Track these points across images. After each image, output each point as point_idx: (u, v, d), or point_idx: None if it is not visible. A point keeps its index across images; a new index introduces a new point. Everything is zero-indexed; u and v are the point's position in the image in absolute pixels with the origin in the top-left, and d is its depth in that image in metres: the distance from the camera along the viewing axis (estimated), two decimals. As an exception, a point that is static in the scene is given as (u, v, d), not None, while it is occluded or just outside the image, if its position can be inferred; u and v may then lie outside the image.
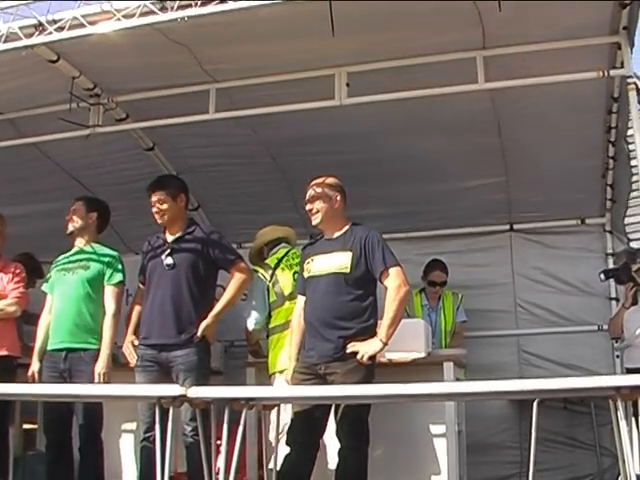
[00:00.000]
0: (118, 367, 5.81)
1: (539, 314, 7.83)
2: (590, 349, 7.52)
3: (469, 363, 6.55)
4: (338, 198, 5.30)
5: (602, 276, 7.14)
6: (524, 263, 7.93)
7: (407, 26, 5.28)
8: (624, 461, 4.03)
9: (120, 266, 5.90)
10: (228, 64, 5.88)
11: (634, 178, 6.80)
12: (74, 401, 5.53)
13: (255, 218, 7.49)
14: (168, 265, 5.51)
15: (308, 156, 7.00)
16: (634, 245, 7.55)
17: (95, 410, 5.64)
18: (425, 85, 5.59)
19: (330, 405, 5.02)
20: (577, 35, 5.28)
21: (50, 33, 5.11)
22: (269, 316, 6.16)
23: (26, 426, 7.15)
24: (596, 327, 7.55)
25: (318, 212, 5.29)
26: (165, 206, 5.60)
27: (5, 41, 5.15)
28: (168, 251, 5.56)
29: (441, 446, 5.79)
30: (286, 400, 5.28)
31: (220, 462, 4.66)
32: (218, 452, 4.78)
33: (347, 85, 5.71)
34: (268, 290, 6.13)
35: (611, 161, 6.86)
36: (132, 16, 4.94)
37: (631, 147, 6.05)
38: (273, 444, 5.38)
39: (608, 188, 7.31)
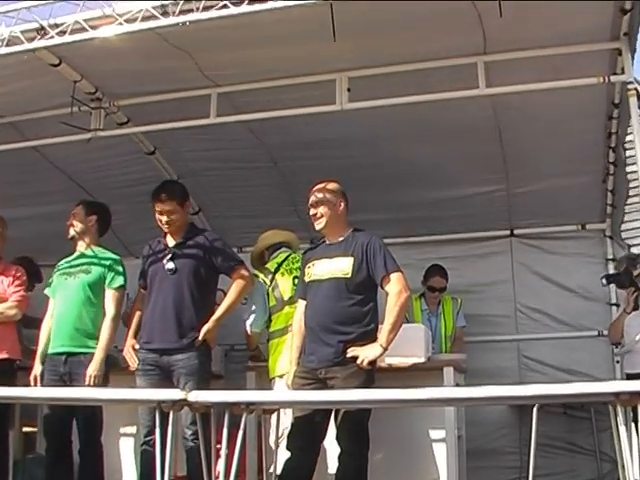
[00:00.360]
0: (118, 371, 5.82)
1: (539, 319, 7.82)
2: (590, 354, 7.51)
3: (469, 368, 6.55)
4: (342, 204, 5.33)
5: (604, 281, 7.16)
6: (524, 268, 7.93)
7: (408, 31, 5.28)
8: (624, 467, 4.02)
9: (121, 270, 5.91)
10: (229, 69, 5.88)
11: (635, 183, 6.80)
12: (74, 404, 5.54)
13: (256, 222, 7.50)
14: (170, 270, 5.52)
15: (309, 161, 7.00)
16: (634, 250, 7.55)
17: (95, 413, 5.64)
18: (426, 90, 5.59)
19: (330, 410, 5.02)
20: (578, 41, 5.28)
21: (52, 37, 5.10)
22: (269, 320, 6.17)
23: (26, 429, 7.15)
24: (596, 332, 7.55)
25: (322, 217, 5.30)
26: (175, 216, 5.61)
27: (7, 45, 5.14)
28: (170, 256, 5.57)
29: (441, 451, 5.79)
30: (286, 405, 5.29)
31: (220, 466, 4.66)
32: (218, 456, 4.78)
33: (348, 90, 5.70)
34: (268, 294, 6.14)
35: (611, 167, 6.86)
36: (134, 20, 4.94)
37: (630, 153, 6.06)
38: (273, 448, 5.38)
39: (608, 194, 7.31)
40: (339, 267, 5.15)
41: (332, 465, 5.25)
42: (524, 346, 7.81)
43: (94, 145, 6.51)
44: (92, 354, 5.66)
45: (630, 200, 7.21)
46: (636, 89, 5.33)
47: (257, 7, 4.67)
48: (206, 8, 4.76)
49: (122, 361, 5.76)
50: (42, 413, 6.04)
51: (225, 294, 5.74)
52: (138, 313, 5.73)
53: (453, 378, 5.85)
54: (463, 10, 4.99)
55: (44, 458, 5.98)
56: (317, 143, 6.85)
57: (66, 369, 5.67)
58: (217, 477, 4.73)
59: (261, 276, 6.19)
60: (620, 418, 3.86)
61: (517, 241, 8.00)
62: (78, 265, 5.91)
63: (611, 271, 7.54)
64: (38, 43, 5.17)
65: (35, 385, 5.72)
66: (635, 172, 6.09)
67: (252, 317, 6.17)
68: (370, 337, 5.06)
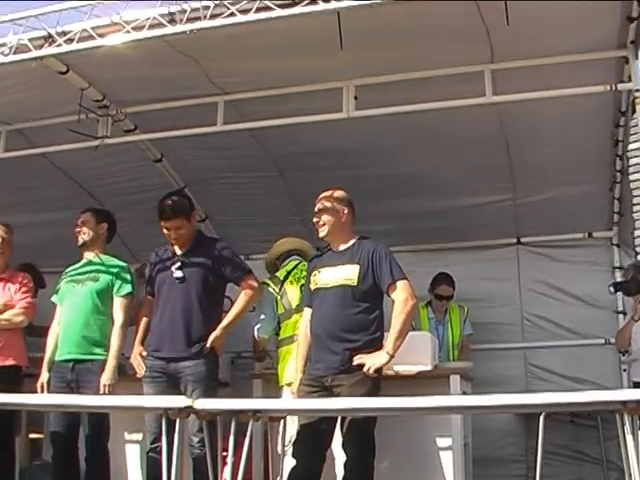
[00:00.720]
0: (125, 378, 5.82)
1: (546, 327, 7.80)
2: (597, 363, 7.49)
3: (476, 376, 6.54)
4: (345, 211, 5.32)
5: (611, 289, 7.16)
6: (531, 276, 7.91)
7: (415, 39, 5.28)
8: (631, 475, 4.01)
9: (129, 277, 5.92)
10: (237, 77, 5.89)
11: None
12: (81, 411, 5.54)
13: (263, 230, 7.52)
14: (178, 279, 5.53)
15: (315, 171, 6.98)
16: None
17: (102, 420, 5.64)
18: (433, 98, 5.60)
19: (336, 417, 5.01)
20: (585, 49, 5.28)
21: (59, 45, 5.12)
22: (278, 328, 6.17)
23: (32, 436, 7.14)
24: (603, 340, 7.52)
25: (325, 225, 5.31)
26: (183, 230, 5.60)
27: (15, 52, 5.16)
28: (178, 264, 5.57)
29: (447, 459, 5.77)
30: (292, 412, 5.28)
31: (227, 474, 4.66)
32: (225, 464, 4.78)
33: (355, 98, 5.71)
34: (277, 302, 6.14)
35: (618, 174, 6.86)
36: (141, 28, 4.95)
37: (634, 161, 6.05)
38: (280, 456, 5.38)
39: (615, 202, 7.30)
40: (345, 275, 5.15)
41: (338, 473, 5.24)
42: (531, 354, 7.79)
43: (101, 152, 6.54)
44: (99, 361, 5.67)
45: (637, 208, 7.20)
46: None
47: (264, 15, 4.68)
48: (213, 16, 4.77)
49: (129, 368, 5.76)
50: (49, 420, 6.03)
51: (232, 302, 5.74)
52: (145, 320, 5.73)
53: (460, 386, 5.84)
54: (472, 23, 5.00)
55: (50, 465, 5.99)
56: (324, 154, 6.85)
57: (73, 376, 5.68)
58: (224, 484, 4.74)
59: (271, 284, 6.20)
60: (627, 427, 3.85)
61: (524, 249, 7.98)
62: (86, 272, 5.92)
63: (618, 279, 7.53)
64: (46, 51, 5.18)
65: (42, 392, 5.73)
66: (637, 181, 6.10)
67: (260, 323, 6.17)
68: (376, 345, 5.06)
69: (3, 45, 5.18)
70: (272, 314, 6.15)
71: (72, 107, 6.04)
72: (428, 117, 5.91)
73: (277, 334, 6.18)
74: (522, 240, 7.97)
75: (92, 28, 5.05)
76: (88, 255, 6.01)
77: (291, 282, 6.12)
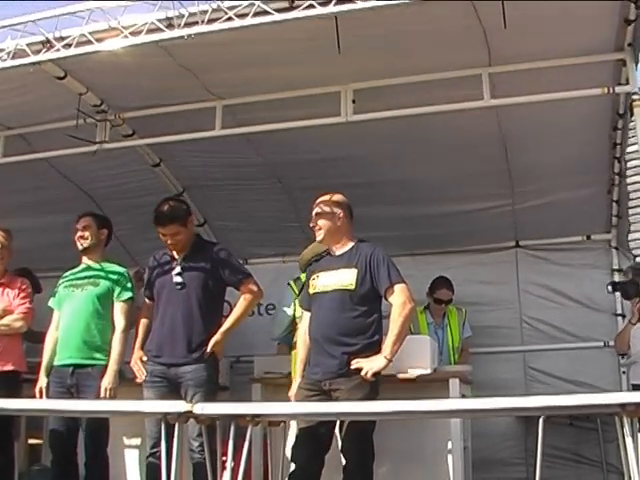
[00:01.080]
0: (124, 382, 5.81)
1: (545, 330, 7.82)
2: (596, 365, 7.50)
3: (475, 379, 6.53)
4: (341, 215, 5.31)
5: (609, 288, 7.18)
6: (530, 279, 7.93)
7: (413, 43, 5.29)
8: (630, 477, 4.01)
9: (129, 284, 5.92)
10: (234, 82, 5.89)
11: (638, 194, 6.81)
12: (80, 416, 5.53)
13: (261, 236, 7.54)
14: (178, 284, 5.52)
15: (313, 178, 6.99)
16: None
17: (101, 425, 5.63)
18: (431, 102, 5.60)
19: (335, 421, 5.01)
20: (583, 52, 5.29)
21: (57, 50, 5.13)
22: (294, 330, 6.17)
23: (31, 441, 7.14)
24: (602, 343, 7.54)
25: (321, 229, 5.30)
26: (180, 236, 5.59)
27: (13, 57, 5.16)
28: (177, 270, 5.57)
29: (447, 462, 5.76)
30: (291, 416, 5.28)
31: (226, 478, 4.66)
32: (224, 468, 4.78)
33: (353, 102, 5.72)
34: (294, 304, 6.17)
35: (617, 177, 6.87)
36: (139, 33, 4.95)
37: (633, 163, 6.05)
38: (279, 460, 5.37)
39: (614, 204, 7.31)
40: (343, 279, 5.14)
41: (337, 477, 5.22)
42: (530, 357, 7.80)
43: (100, 156, 6.55)
44: (100, 366, 5.66)
45: (633, 211, 7.21)
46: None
47: (261, 20, 4.69)
48: (211, 21, 4.78)
49: (129, 372, 5.75)
50: (48, 425, 6.02)
51: (231, 307, 5.74)
52: (145, 323, 5.73)
53: (459, 389, 5.83)
54: (469, 26, 5.00)
55: (49, 470, 5.97)
56: (322, 161, 6.87)
57: (73, 381, 5.67)
58: (223, 489, 4.73)
59: (293, 286, 6.23)
60: (626, 429, 3.86)
61: (522, 252, 8.00)
62: (85, 277, 5.92)
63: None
64: (44, 56, 5.19)
65: (40, 398, 5.72)
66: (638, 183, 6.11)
67: (274, 327, 6.22)
68: (375, 348, 5.04)
69: (1, 50, 5.19)
70: (285, 317, 6.29)
71: (70, 112, 6.05)
72: (426, 122, 5.92)
73: (292, 336, 6.19)
74: (521, 243, 7.99)
75: (90, 33, 5.06)
76: (87, 260, 6.00)
77: None
